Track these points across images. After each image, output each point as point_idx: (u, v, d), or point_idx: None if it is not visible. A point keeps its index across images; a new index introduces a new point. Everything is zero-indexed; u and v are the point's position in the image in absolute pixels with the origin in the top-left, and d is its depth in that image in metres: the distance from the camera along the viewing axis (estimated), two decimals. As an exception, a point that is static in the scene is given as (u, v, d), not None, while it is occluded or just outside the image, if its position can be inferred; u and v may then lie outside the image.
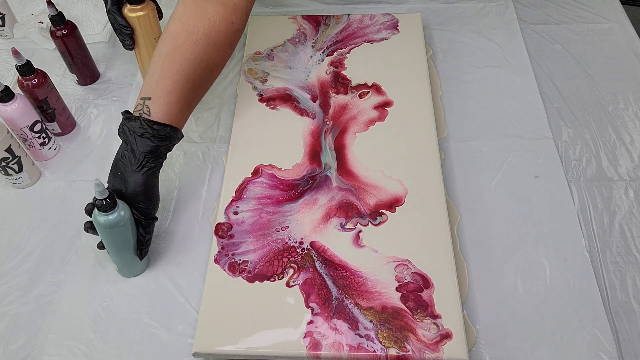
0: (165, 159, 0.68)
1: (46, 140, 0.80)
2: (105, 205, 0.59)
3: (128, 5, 0.76)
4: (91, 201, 0.61)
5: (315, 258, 0.65)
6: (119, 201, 0.61)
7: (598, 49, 0.93)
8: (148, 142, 0.64)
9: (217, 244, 0.67)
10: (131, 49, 0.81)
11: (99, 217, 0.60)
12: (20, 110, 0.74)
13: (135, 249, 0.65)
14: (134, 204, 0.64)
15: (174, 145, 0.69)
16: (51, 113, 0.81)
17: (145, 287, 0.68)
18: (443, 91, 0.87)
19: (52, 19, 0.83)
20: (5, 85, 0.73)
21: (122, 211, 0.61)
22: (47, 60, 0.96)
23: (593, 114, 0.83)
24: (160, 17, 0.81)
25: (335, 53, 0.89)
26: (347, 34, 0.92)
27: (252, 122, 0.80)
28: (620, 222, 0.71)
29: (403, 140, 0.76)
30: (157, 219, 0.67)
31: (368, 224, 0.68)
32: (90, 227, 0.63)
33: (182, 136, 0.70)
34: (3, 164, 0.74)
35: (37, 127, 0.77)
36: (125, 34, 0.78)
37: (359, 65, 0.87)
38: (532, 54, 0.92)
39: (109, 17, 0.77)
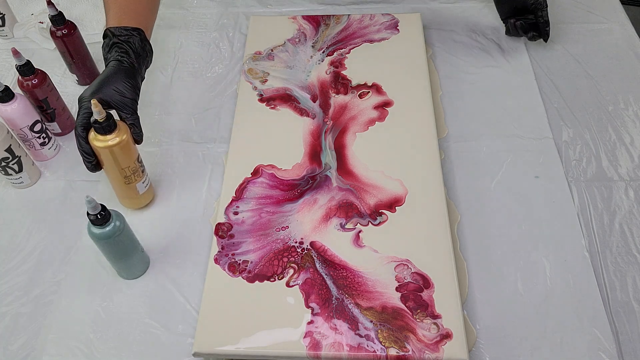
0: (131, 56, 0.69)
1: (46, 140, 0.80)
2: (99, 219, 0.59)
3: (94, 132, 0.64)
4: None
5: (315, 258, 0.65)
6: (112, 212, 0.61)
7: (598, 49, 0.92)
8: (105, 42, 0.70)
9: (217, 244, 0.67)
10: (97, 171, 0.68)
11: (94, 230, 0.60)
12: (20, 110, 0.74)
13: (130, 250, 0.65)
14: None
15: (137, 39, 0.70)
16: (51, 113, 0.81)
17: (145, 287, 0.68)
18: (443, 91, 0.87)
19: (52, 19, 0.83)
20: (5, 85, 0.73)
21: (117, 222, 0.61)
22: (47, 60, 0.96)
23: (593, 114, 0.83)
24: (139, 141, 0.69)
25: (335, 53, 0.89)
26: (347, 34, 0.92)
27: (252, 122, 0.80)
28: (620, 222, 0.71)
29: (403, 140, 0.76)
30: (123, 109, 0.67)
31: (368, 224, 0.68)
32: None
33: (143, 36, 0.71)
34: (3, 164, 0.74)
35: (37, 127, 0.77)
36: (87, 161, 0.66)
37: (359, 65, 0.87)
38: (532, 54, 0.92)
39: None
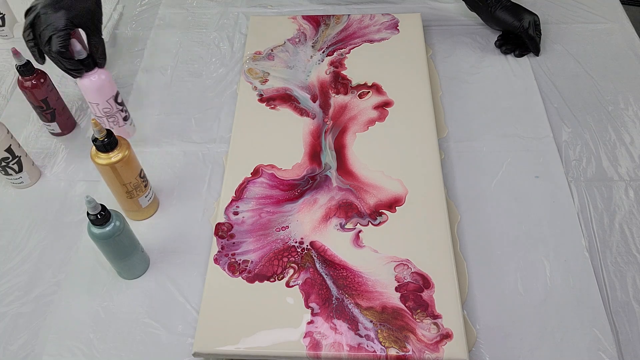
0: None
1: (127, 114, 0.75)
2: (99, 219, 0.59)
3: (95, 150, 0.64)
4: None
5: (315, 258, 0.65)
6: (112, 212, 0.61)
7: (598, 49, 0.92)
8: None
9: (217, 244, 0.67)
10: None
11: (94, 230, 0.60)
12: (106, 80, 0.70)
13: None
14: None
15: None
16: (51, 113, 0.81)
17: (145, 287, 0.68)
18: (443, 91, 0.87)
19: (52, 19, 0.83)
20: (88, 53, 0.69)
21: (116, 222, 0.61)
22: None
23: (593, 114, 0.83)
24: (103, 64, 0.71)
25: (335, 53, 0.89)
26: (347, 34, 0.92)
27: (252, 122, 0.80)
28: (620, 222, 0.71)
29: (403, 140, 0.76)
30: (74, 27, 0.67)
31: (368, 224, 0.68)
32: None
33: None
34: (3, 164, 0.74)
35: (119, 99, 0.73)
36: (78, 69, 0.68)
37: (359, 65, 0.87)
38: (532, 54, 0.92)
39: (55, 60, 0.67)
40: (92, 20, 0.67)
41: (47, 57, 0.68)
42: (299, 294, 0.63)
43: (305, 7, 1.03)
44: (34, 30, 0.65)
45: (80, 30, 0.69)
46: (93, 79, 0.71)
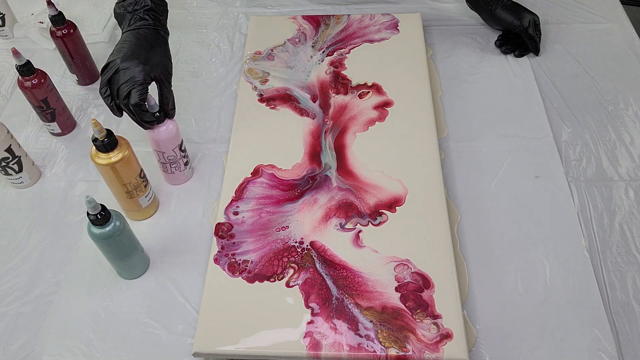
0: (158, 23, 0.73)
1: (188, 159, 0.76)
2: (99, 219, 0.59)
3: (98, 152, 0.64)
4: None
5: (315, 258, 0.65)
6: (112, 212, 0.61)
7: (598, 49, 0.92)
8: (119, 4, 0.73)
9: (217, 244, 0.67)
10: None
11: (94, 230, 0.60)
12: (174, 131, 0.71)
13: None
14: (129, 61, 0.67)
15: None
16: (51, 113, 0.81)
17: (145, 287, 0.68)
18: (443, 91, 0.87)
19: (52, 19, 0.83)
20: (160, 107, 0.69)
21: (116, 222, 0.61)
22: (47, 60, 0.96)
23: (593, 114, 0.83)
24: (173, 115, 0.71)
25: (335, 53, 0.89)
26: (347, 34, 0.92)
27: (252, 122, 0.80)
28: (620, 222, 0.71)
29: (403, 140, 0.76)
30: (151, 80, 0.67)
31: (368, 224, 0.68)
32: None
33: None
34: (3, 164, 0.74)
35: (183, 147, 0.74)
36: (151, 120, 0.68)
37: (359, 65, 0.87)
38: (532, 54, 0.92)
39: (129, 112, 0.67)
40: (164, 73, 0.69)
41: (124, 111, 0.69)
42: (299, 294, 0.63)
43: (305, 7, 1.03)
44: (110, 86, 0.67)
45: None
46: (162, 130, 0.70)
